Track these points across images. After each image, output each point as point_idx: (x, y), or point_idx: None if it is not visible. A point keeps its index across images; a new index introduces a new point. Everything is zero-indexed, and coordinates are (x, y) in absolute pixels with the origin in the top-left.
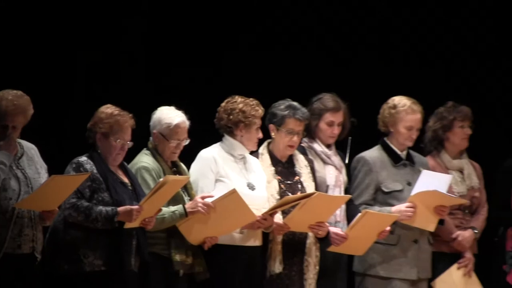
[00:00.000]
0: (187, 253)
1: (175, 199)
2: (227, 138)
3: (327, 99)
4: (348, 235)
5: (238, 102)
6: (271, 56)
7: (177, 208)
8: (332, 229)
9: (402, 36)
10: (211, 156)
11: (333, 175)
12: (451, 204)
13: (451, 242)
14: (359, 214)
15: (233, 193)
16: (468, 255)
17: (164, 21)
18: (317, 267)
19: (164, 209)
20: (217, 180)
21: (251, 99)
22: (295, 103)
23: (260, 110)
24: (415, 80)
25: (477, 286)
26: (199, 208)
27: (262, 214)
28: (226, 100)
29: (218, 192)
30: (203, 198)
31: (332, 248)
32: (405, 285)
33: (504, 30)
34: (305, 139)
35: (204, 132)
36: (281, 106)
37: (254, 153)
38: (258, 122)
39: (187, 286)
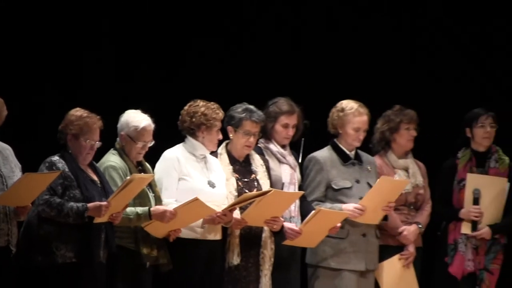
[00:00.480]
0: (152, 247)
1: (140, 196)
2: (189, 139)
3: (282, 103)
4: (302, 230)
5: (200, 105)
6: (230, 62)
7: (143, 211)
8: (287, 224)
9: (350, 42)
10: (175, 156)
11: (288, 173)
12: (399, 188)
13: (397, 236)
14: (313, 212)
15: (195, 200)
16: (411, 249)
17: (132, 25)
18: (272, 259)
19: (131, 210)
20: (180, 179)
21: (212, 103)
22: (251, 107)
23: (221, 113)
24: (364, 84)
25: (412, 277)
26: (167, 219)
27: (222, 210)
28: (188, 104)
29: (182, 191)
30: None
31: (287, 242)
32: (354, 276)
33: (448, 30)
34: (262, 140)
35: (168, 133)
36: (239, 109)
37: (214, 153)
38: (218, 124)
39: (152, 276)
